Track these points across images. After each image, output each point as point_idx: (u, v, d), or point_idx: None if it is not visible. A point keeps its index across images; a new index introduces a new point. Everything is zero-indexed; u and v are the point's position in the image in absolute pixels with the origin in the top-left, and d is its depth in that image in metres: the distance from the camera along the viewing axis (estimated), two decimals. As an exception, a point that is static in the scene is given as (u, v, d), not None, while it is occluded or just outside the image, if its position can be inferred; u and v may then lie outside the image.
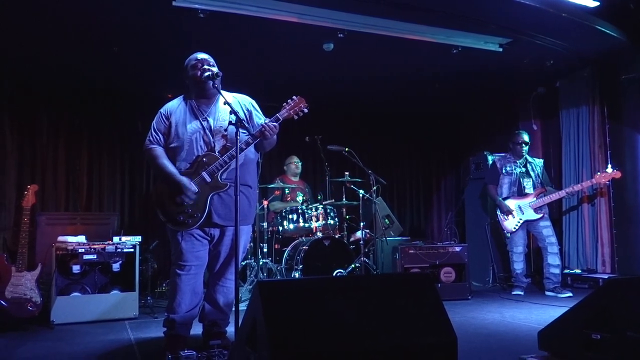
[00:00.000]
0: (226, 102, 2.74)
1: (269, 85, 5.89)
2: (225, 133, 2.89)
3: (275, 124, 2.86)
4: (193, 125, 2.92)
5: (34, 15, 4.05)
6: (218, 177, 2.85)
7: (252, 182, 3.05)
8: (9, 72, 5.37)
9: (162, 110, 3.02)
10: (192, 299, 2.92)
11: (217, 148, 2.89)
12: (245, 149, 2.85)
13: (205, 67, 2.88)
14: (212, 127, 2.91)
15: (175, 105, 3.01)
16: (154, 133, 2.97)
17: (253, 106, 3.08)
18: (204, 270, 3.00)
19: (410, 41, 4.64)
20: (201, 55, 2.97)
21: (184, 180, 2.80)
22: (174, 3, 3.84)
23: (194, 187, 2.81)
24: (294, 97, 2.95)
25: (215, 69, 2.90)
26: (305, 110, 2.93)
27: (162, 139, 2.95)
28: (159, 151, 2.93)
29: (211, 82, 2.85)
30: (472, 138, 7.30)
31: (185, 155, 2.88)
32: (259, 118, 3.03)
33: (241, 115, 2.90)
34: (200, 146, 2.89)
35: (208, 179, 2.84)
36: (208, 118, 2.93)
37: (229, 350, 2.71)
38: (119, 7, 3.95)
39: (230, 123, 2.73)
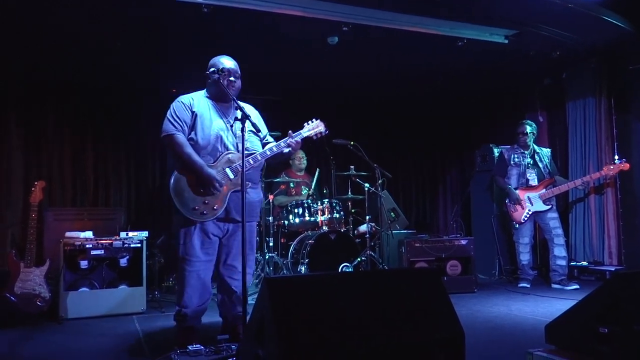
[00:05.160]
0: (237, 107, 2.78)
1: (273, 79, 5.87)
2: (246, 139, 2.96)
3: (299, 140, 3.06)
4: (218, 122, 2.99)
5: (36, 14, 4.04)
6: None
7: (258, 181, 3.24)
8: (13, 70, 5.37)
9: (182, 100, 3.01)
10: (203, 293, 2.96)
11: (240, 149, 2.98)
12: (260, 160, 2.98)
13: (232, 79, 2.98)
14: (234, 130, 2.98)
15: (195, 99, 3.03)
16: (178, 120, 2.93)
17: (257, 117, 3.18)
18: (214, 265, 3.02)
19: (415, 34, 4.61)
20: (228, 64, 3.01)
21: (213, 173, 2.86)
22: (177, -3, 3.83)
23: (222, 181, 2.87)
24: (313, 119, 3.18)
25: (238, 84, 3.03)
26: (325, 133, 3.18)
27: (185, 128, 2.94)
28: (184, 139, 2.91)
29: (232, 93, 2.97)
30: (477, 130, 7.25)
31: (211, 150, 2.93)
32: (262, 128, 3.13)
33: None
34: (224, 144, 2.96)
35: (232, 176, 2.91)
36: (230, 120, 3.01)
37: (236, 345, 2.73)
38: (121, 1, 3.94)
39: (236, 119, 2.75)
